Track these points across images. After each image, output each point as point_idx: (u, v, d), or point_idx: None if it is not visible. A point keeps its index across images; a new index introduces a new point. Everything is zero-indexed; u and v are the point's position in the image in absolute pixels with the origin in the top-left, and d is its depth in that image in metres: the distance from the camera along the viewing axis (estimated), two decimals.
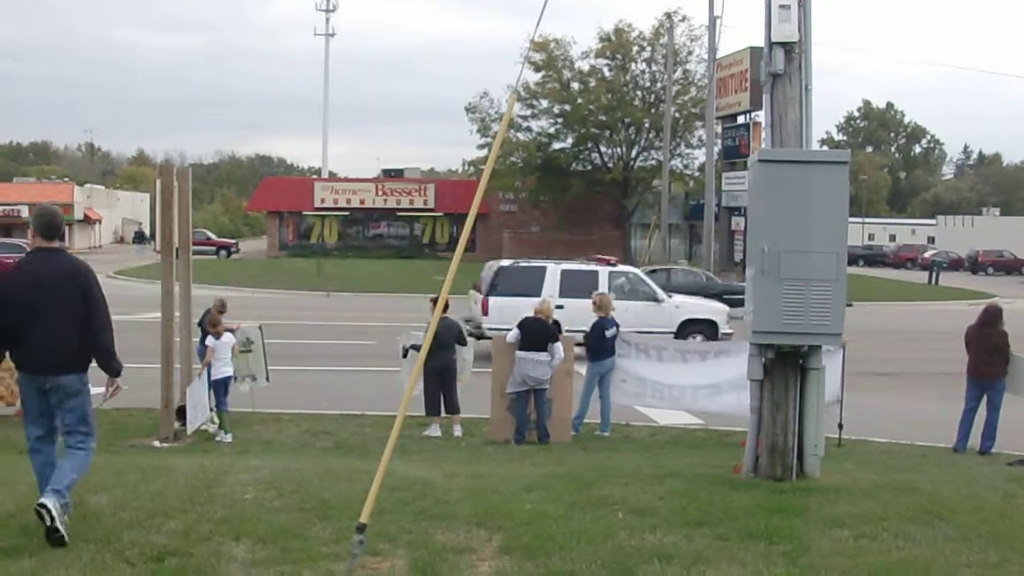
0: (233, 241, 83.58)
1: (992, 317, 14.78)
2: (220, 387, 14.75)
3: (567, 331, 15.77)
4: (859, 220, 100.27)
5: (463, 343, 15.41)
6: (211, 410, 14.83)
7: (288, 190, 78.25)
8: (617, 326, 15.45)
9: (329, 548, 7.21)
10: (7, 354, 7.63)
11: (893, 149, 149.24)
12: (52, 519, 7.01)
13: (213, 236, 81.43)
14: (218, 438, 14.32)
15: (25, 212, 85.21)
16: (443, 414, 15.08)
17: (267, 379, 16.19)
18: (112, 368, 7.70)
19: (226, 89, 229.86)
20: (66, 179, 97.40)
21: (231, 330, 15.86)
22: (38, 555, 6.98)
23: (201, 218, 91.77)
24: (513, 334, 14.53)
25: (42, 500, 7.12)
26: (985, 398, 14.45)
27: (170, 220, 14.66)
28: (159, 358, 14.50)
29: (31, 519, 7.53)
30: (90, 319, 7.49)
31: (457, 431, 15.01)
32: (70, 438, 7.63)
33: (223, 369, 14.79)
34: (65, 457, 7.59)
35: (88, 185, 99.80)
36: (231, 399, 14.94)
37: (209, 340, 14.87)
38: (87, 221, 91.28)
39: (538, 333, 14.51)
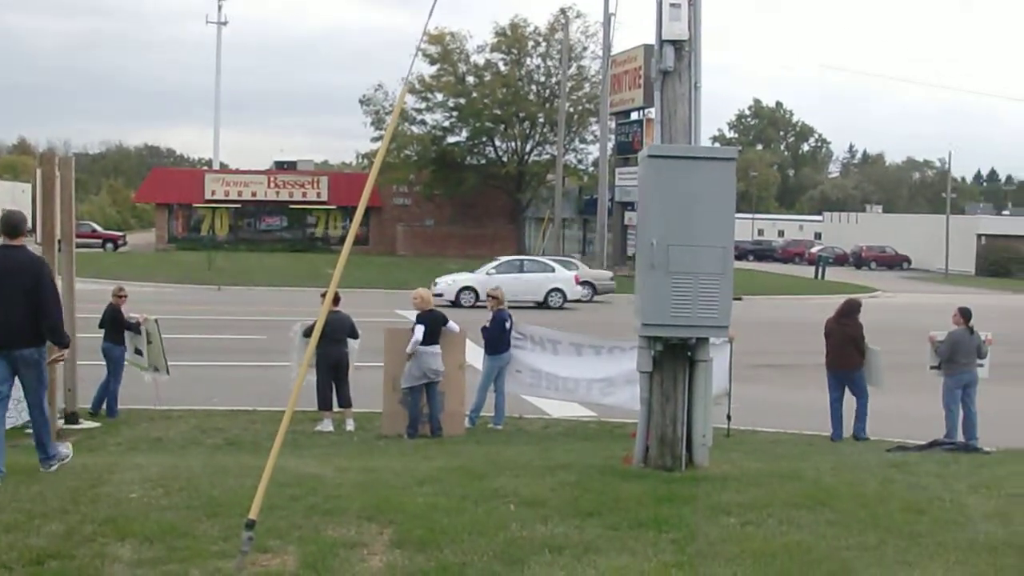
0: (120, 233, 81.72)
1: (849, 310, 15.31)
2: None
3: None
4: (749, 216, 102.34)
5: (355, 336, 15.33)
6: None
7: (178, 181, 76.79)
8: (510, 318, 15.51)
9: (218, 546, 7.12)
10: None
11: (782, 147, 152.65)
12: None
13: (99, 228, 79.55)
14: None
15: None
16: (336, 408, 15.00)
17: (167, 371, 15.97)
18: (60, 341, 9.56)
19: (114, 77, 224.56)
20: None
21: (135, 323, 15.63)
22: None
23: (87, 210, 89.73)
24: (419, 330, 14.43)
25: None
26: (848, 388, 14.98)
27: (52, 211, 14.29)
28: None
29: None
30: (41, 301, 9.17)
31: (350, 425, 14.92)
32: (31, 396, 9.51)
33: None
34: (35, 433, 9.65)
35: None
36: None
37: None
38: None
39: (434, 325, 14.51)
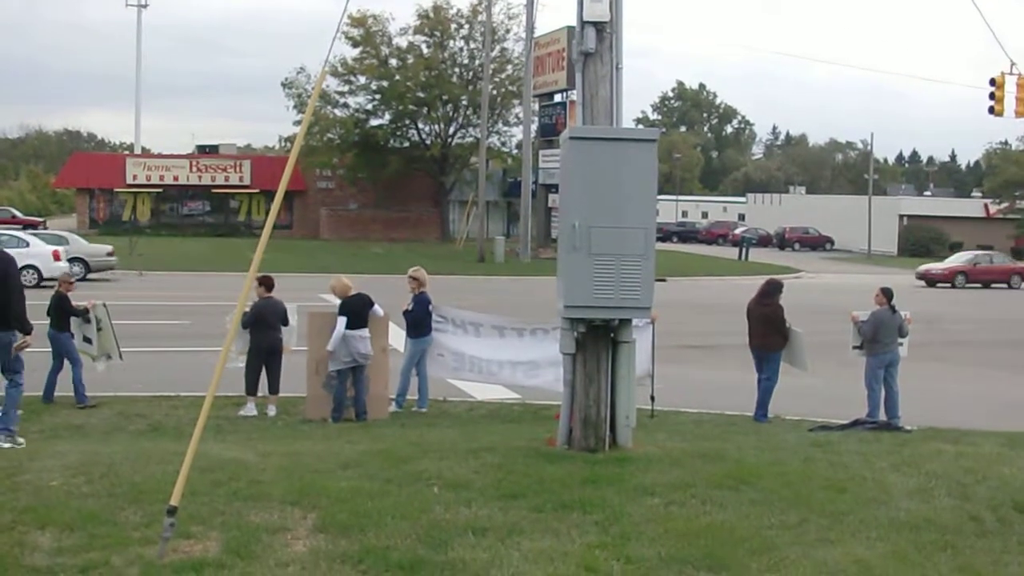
0: (41, 219, 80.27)
1: (769, 291, 15.46)
2: None
3: None
4: (673, 198, 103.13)
5: (286, 323, 15.23)
6: None
7: (99, 166, 75.52)
8: (430, 301, 15.49)
9: (140, 532, 7.08)
10: None
11: (706, 129, 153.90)
12: None
13: (19, 214, 78.06)
14: None
15: None
16: (261, 394, 14.91)
17: (120, 357, 15.77)
18: (24, 328, 11.03)
19: (32, 60, 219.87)
20: None
21: (83, 310, 15.38)
22: None
23: (6, 195, 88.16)
24: (341, 322, 14.32)
25: None
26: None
27: None
28: None
29: None
30: (8, 293, 10.70)
31: (271, 411, 14.82)
32: (6, 374, 11.14)
33: None
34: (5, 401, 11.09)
35: None
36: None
37: None
38: None
39: (360, 310, 14.45)
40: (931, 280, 49.16)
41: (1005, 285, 49.78)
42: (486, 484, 8.57)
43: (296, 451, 10.20)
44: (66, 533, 7.07)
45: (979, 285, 49.35)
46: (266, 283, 15.15)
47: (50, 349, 15.22)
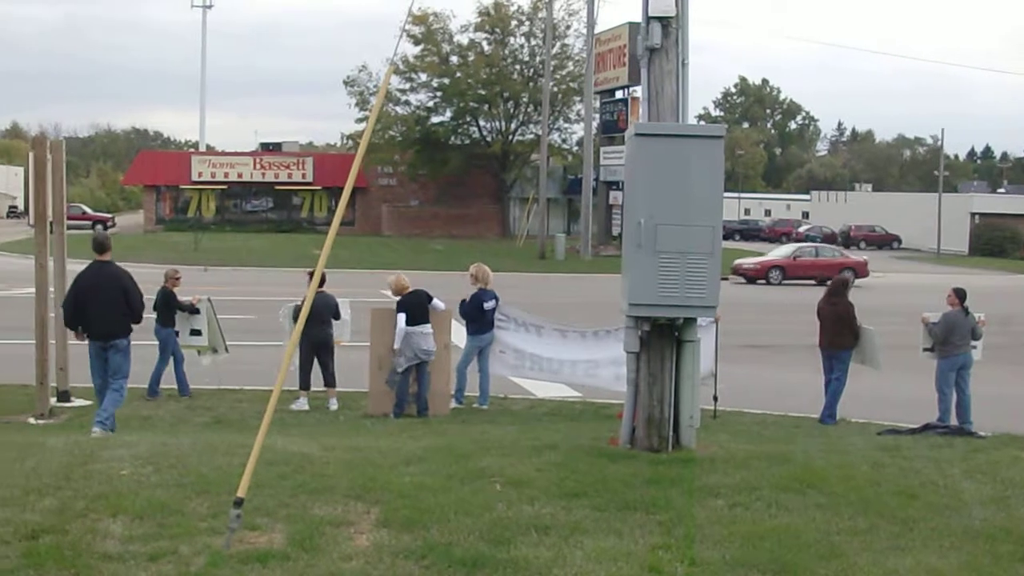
0: (109, 215, 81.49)
1: (837, 288, 15.26)
2: None
3: None
4: (735, 195, 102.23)
5: (338, 317, 15.32)
6: None
7: (165, 164, 76.50)
8: (496, 299, 15.48)
9: (207, 523, 7.15)
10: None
11: (769, 125, 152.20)
12: None
13: (89, 210, 79.32)
14: None
15: None
16: (321, 388, 15.02)
17: (226, 350, 15.99)
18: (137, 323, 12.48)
19: (101, 62, 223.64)
20: None
21: (189, 305, 15.59)
22: None
23: (77, 192, 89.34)
24: (401, 319, 14.37)
25: None
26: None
27: (44, 194, 14.34)
28: (33, 334, 14.17)
29: None
30: (130, 302, 12.20)
31: (333, 405, 14.93)
32: (117, 374, 12.36)
33: None
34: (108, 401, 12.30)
35: None
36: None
37: None
38: None
39: (419, 306, 14.49)
40: (746, 276, 44.63)
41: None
42: (548, 482, 8.54)
43: (359, 446, 10.23)
44: (136, 521, 7.16)
45: (812, 281, 42.41)
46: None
47: (155, 343, 15.56)
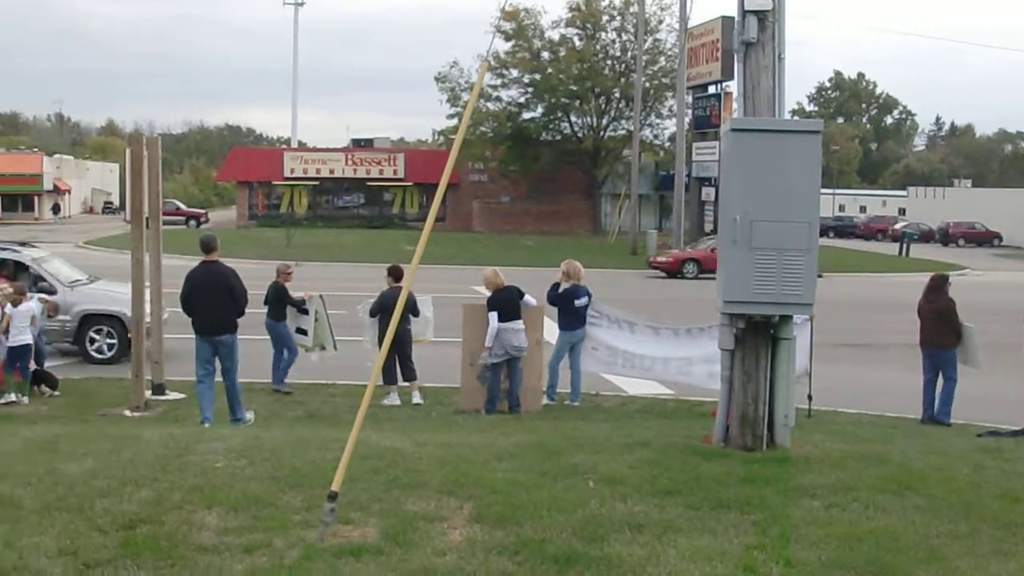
0: (203, 211, 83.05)
1: (936, 286, 14.93)
2: (16, 354, 14.73)
3: None
4: (830, 191, 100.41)
5: (415, 314, 15.40)
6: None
7: (258, 160, 77.67)
8: (589, 295, 15.41)
9: (300, 516, 7.21)
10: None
11: (864, 120, 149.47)
12: None
13: (183, 206, 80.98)
14: (11, 399, 14.58)
15: None
16: (401, 382, 15.09)
17: (334, 347, 16.21)
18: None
19: (195, 59, 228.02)
20: (35, 150, 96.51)
21: (300, 301, 15.83)
22: (11, 523, 6.96)
23: (171, 188, 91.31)
24: (493, 317, 14.37)
25: None
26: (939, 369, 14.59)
27: (140, 189, 14.58)
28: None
29: (4, 488, 7.69)
30: (235, 299, 13.04)
31: (416, 398, 15.02)
32: (227, 374, 13.26)
33: (19, 337, 14.75)
34: (227, 393, 13.29)
35: (57, 156, 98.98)
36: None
37: (8, 308, 14.94)
38: (56, 191, 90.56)
39: (511, 302, 14.48)
40: (661, 269, 42.01)
41: None
42: (642, 480, 8.48)
43: (451, 441, 10.26)
44: (231, 514, 7.25)
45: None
46: (394, 273, 15.39)
47: (267, 337, 15.91)
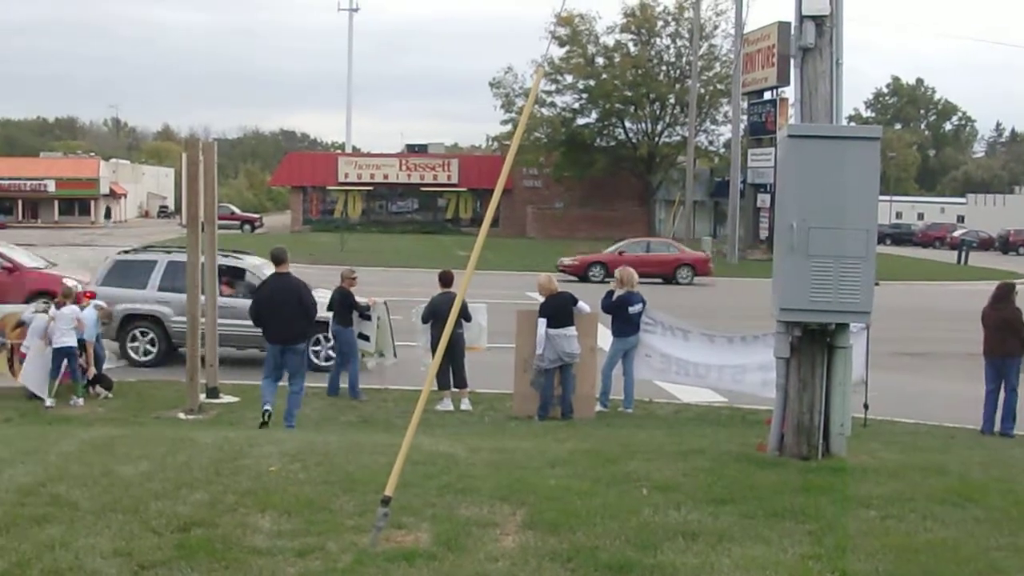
0: (257, 216, 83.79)
1: (1003, 294, 14.69)
2: (61, 356, 14.82)
3: None
4: (887, 198, 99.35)
5: (468, 319, 15.38)
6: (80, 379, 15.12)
7: (312, 165, 78.25)
8: (644, 302, 15.35)
9: (353, 520, 7.23)
10: None
11: (923, 126, 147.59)
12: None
13: (237, 211, 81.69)
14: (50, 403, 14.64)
15: (52, 187, 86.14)
16: (452, 388, 15.10)
17: (394, 355, 16.24)
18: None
19: (250, 65, 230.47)
20: (92, 154, 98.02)
21: (365, 307, 15.93)
22: (67, 524, 7.03)
23: (225, 193, 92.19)
24: (542, 324, 14.36)
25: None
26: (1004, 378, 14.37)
27: (196, 194, 14.70)
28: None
29: (61, 488, 7.74)
30: (306, 309, 13.40)
31: (465, 405, 15.03)
32: (295, 376, 13.52)
33: (63, 339, 14.85)
34: (290, 402, 13.40)
35: (113, 160, 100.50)
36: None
37: (52, 310, 15.07)
38: (112, 195, 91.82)
39: (563, 308, 14.44)
40: (568, 272, 39.41)
41: (662, 280, 39.26)
42: (696, 488, 8.43)
43: (504, 447, 10.25)
44: (284, 517, 7.28)
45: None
46: (444, 278, 15.42)
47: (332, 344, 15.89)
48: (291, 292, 13.33)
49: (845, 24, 10.46)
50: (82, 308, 15.43)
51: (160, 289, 18.61)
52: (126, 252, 20.45)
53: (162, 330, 18.45)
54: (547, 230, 70.38)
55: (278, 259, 13.58)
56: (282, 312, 13.22)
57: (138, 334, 18.61)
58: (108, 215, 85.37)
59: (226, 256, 18.75)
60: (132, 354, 18.50)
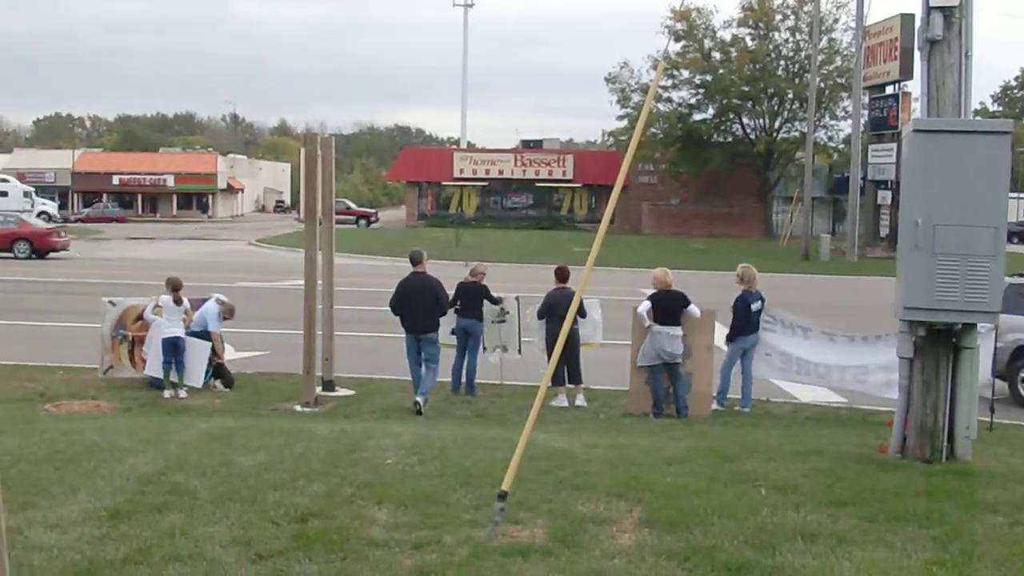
0: (372, 211, 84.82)
1: None
2: (169, 347, 15.11)
3: None
4: (1015, 195, 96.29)
5: (583, 315, 15.29)
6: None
7: (427, 160, 78.85)
8: (763, 300, 15.13)
9: (469, 515, 7.26)
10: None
11: None
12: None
13: (353, 206, 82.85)
14: (169, 394, 14.99)
15: (171, 181, 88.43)
16: (567, 384, 15.06)
17: (519, 351, 16.28)
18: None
19: (365, 61, 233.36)
20: (210, 149, 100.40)
21: (499, 300, 15.98)
22: (187, 512, 7.18)
23: (341, 188, 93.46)
24: (644, 306, 14.29)
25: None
26: None
27: (314, 189, 14.89)
28: (301, 324, 14.79)
29: (180, 477, 7.91)
30: (440, 304, 14.89)
31: (579, 400, 14.97)
32: (431, 362, 14.81)
33: (171, 329, 15.15)
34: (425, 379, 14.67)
35: (231, 155, 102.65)
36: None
37: (160, 299, 15.40)
38: (230, 190, 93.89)
39: (670, 305, 14.30)
40: None
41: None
42: (815, 489, 8.28)
43: (620, 444, 10.20)
44: (401, 510, 7.35)
45: None
46: (560, 274, 15.36)
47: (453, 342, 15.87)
48: (428, 288, 14.82)
49: (975, 15, 10.18)
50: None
51: None
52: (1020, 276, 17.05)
53: None
54: (662, 226, 69.96)
55: (415, 260, 15.07)
56: (419, 305, 14.73)
57: None
58: (205, 210, 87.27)
59: None
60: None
